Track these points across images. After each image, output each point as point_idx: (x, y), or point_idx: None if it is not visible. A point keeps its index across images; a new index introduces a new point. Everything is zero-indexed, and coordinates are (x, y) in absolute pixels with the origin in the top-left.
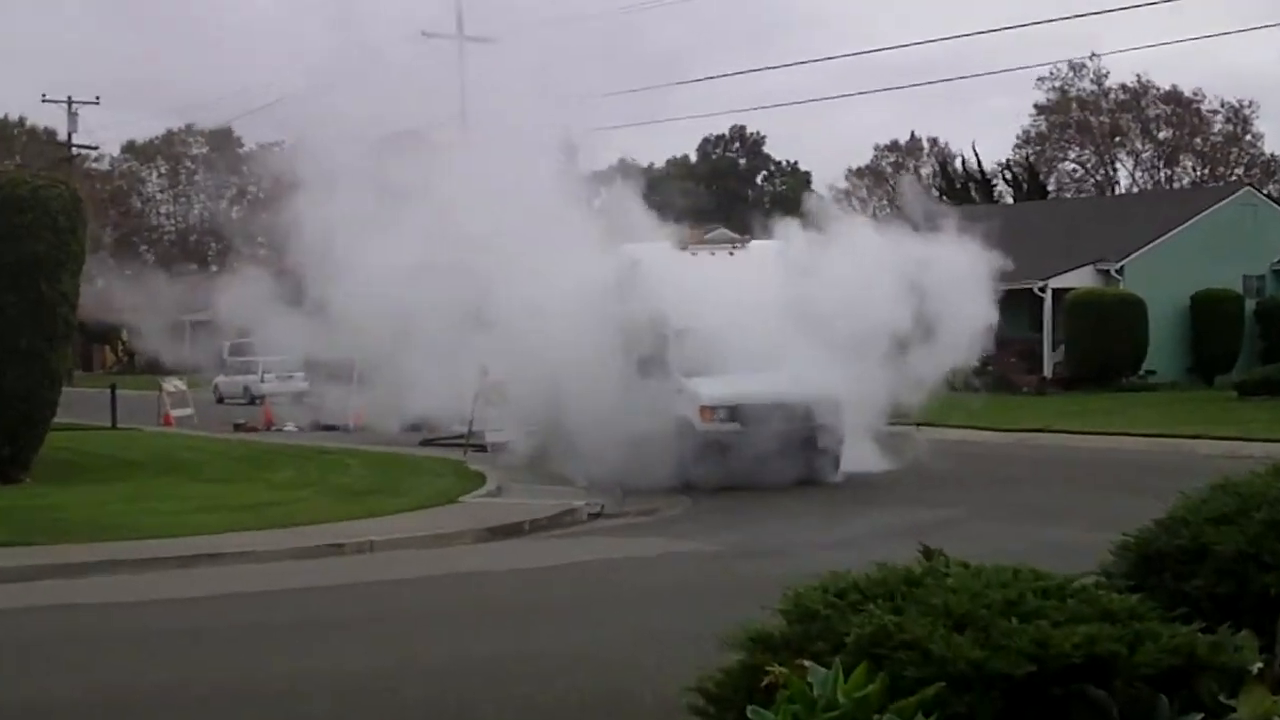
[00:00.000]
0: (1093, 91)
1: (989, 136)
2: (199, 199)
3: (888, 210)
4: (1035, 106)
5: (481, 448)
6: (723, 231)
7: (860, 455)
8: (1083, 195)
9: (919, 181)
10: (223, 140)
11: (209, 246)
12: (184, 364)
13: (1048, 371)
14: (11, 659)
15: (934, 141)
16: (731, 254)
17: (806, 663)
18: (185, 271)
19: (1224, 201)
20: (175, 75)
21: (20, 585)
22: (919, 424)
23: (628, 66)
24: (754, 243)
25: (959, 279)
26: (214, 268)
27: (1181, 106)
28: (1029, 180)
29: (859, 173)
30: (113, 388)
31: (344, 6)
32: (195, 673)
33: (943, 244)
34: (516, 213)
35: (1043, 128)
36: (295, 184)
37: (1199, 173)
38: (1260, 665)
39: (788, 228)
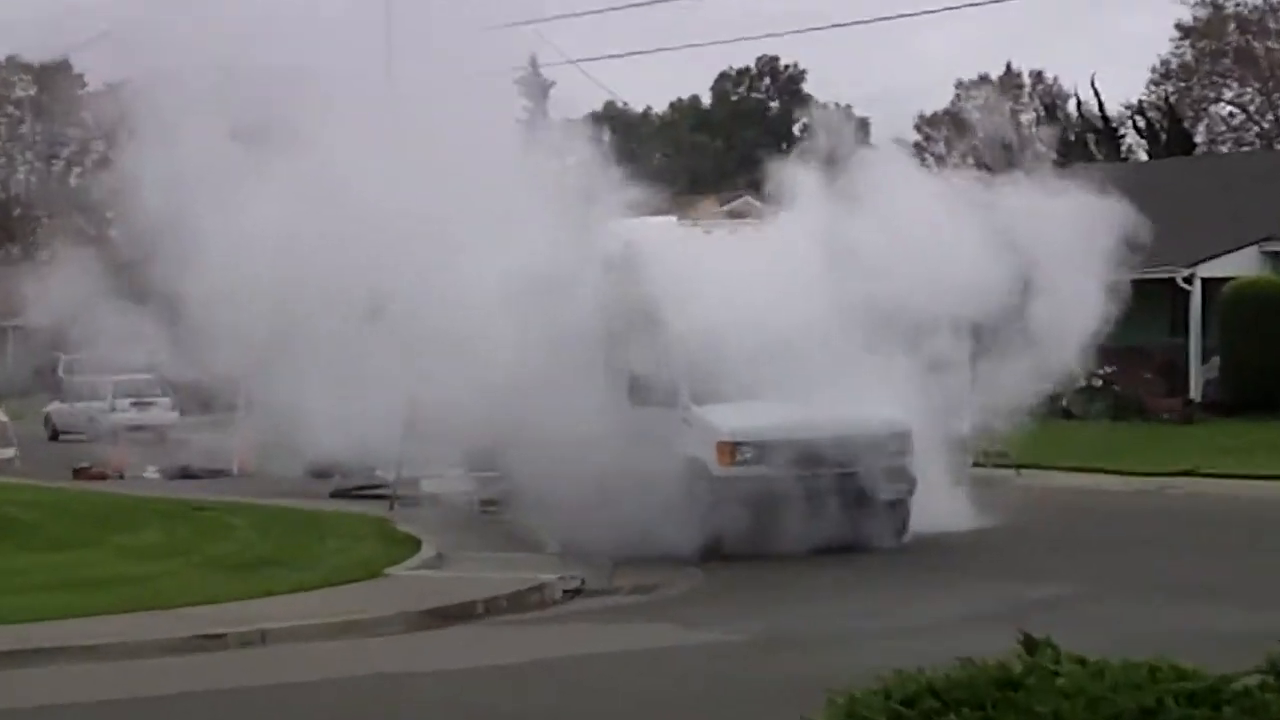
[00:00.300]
0: (1257, 7)
1: (1114, 69)
2: (24, 157)
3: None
4: (1177, 28)
5: (414, 501)
6: (747, 201)
7: (935, 508)
8: (1244, 149)
9: (1015, 123)
10: (57, 78)
11: (38, 222)
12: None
13: (1195, 392)
14: None
15: (1038, 76)
16: (758, 231)
17: None
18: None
19: None
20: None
21: None
22: (1019, 466)
23: None
24: (785, 215)
25: (1068, 248)
26: (44, 253)
27: None
28: (1169, 129)
29: (934, 119)
30: None
31: None
32: None
33: (1040, 197)
34: (453, 178)
35: (1188, 57)
36: (135, 135)
37: None
38: None
39: (807, 185)
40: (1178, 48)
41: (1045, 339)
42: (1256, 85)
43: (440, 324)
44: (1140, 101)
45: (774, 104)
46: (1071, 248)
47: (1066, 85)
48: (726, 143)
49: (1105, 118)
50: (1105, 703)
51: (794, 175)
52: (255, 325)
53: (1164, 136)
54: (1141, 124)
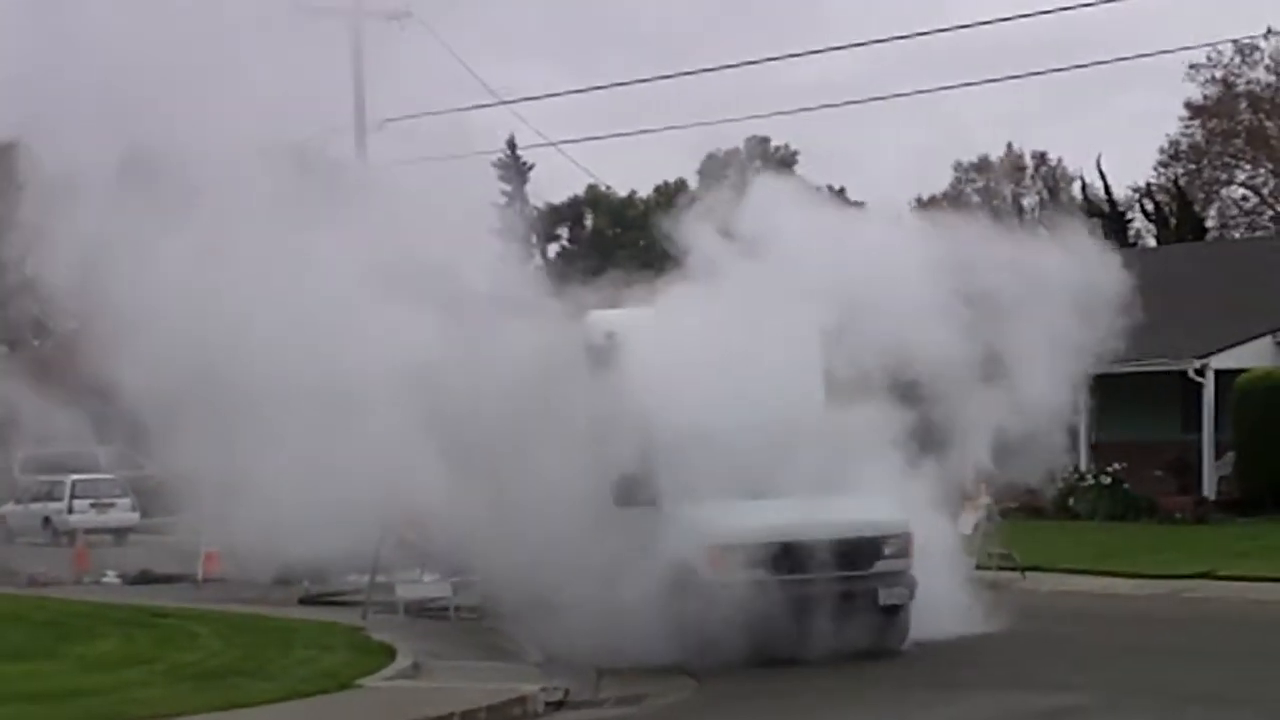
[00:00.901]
0: (1269, 84)
1: (1121, 151)
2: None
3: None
4: (1187, 107)
5: (390, 608)
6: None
7: (936, 614)
8: (1257, 234)
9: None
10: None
11: None
12: None
13: (1209, 489)
14: None
15: (1041, 158)
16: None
17: None
18: None
19: None
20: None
21: None
22: (1024, 568)
23: (602, 56)
24: (784, 304)
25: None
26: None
27: None
28: (1179, 213)
29: (933, 201)
30: None
31: None
32: None
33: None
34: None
35: (1198, 137)
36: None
37: None
38: None
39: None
40: (1187, 128)
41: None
42: (1270, 167)
43: (413, 417)
44: (1148, 184)
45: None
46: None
47: (1071, 167)
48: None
49: (1112, 201)
50: None
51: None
52: (208, 418)
53: (1173, 221)
54: (1150, 208)
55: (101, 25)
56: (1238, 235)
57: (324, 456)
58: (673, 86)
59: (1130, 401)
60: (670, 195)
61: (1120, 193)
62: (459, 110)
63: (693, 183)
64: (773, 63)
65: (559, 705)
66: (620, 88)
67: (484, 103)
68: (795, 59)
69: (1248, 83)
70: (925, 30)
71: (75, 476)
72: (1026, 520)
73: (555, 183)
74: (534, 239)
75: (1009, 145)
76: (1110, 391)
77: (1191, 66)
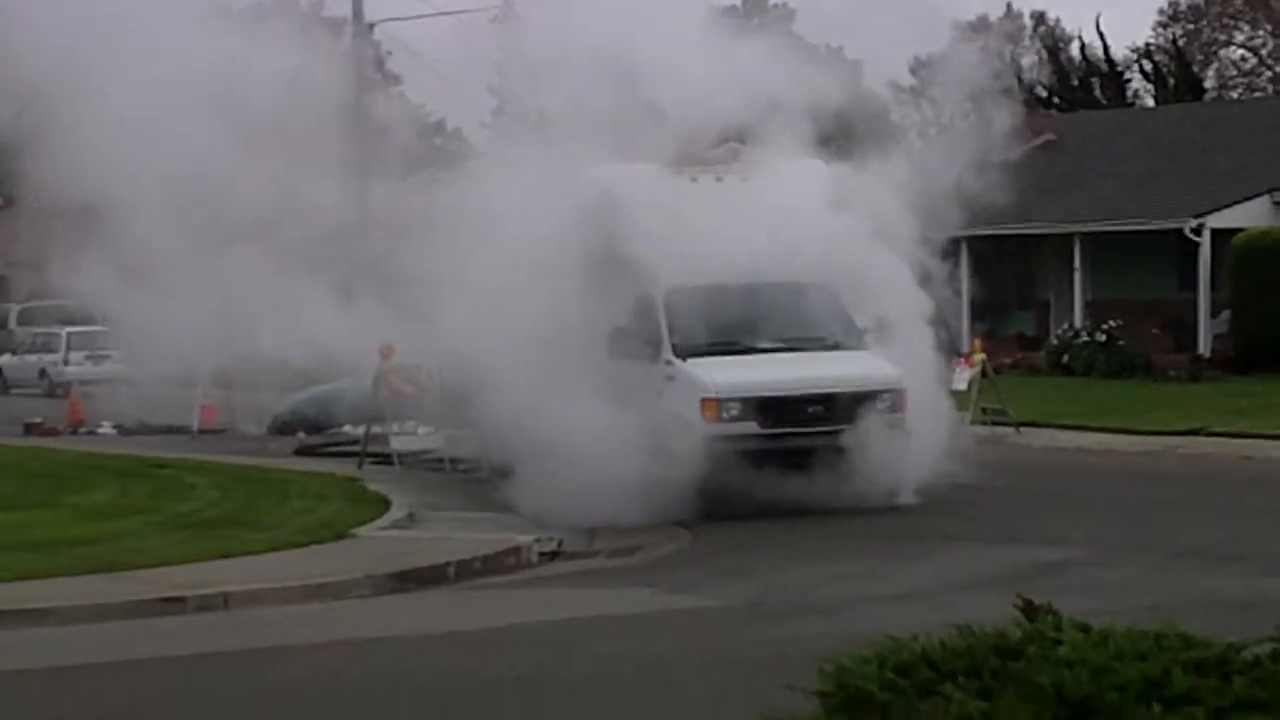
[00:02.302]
0: None
1: (1119, 10)
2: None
3: (968, 116)
4: None
5: (385, 459)
6: (733, 146)
7: (930, 467)
8: (1256, 95)
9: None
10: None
11: None
12: None
13: (1204, 348)
14: None
15: (1040, 18)
16: (747, 179)
17: None
18: None
19: None
20: None
21: None
22: (1018, 423)
23: None
24: (783, 162)
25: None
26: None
27: None
28: (1177, 73)
29: (930, 64)
30: None
31: None
32: None
33: None
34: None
35: None
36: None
37: None
38: None
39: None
40: None
41: None
42: (1269, 28)
43: (421, 273)
44: (1147, 44)
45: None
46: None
47: (1070, 27)
48: None
49: (1110, 61)
50: (1109, 673)
51: (781, 128)
52: (210, 272)
53: (1172, 81)
54: (1148, 68)
55: None
56: (1236, 96)
57: (321, 306)
58: None
59: (1127, 259)
60: None
61: (1119, 53)
62: None
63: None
64: None
65: (553, 556)
66: None
67: None
68: None
69: None
70: None
71: (70, 329)
72: (1022, 376)
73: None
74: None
75: (1008, 4)
76: (1107, 249)
77: None
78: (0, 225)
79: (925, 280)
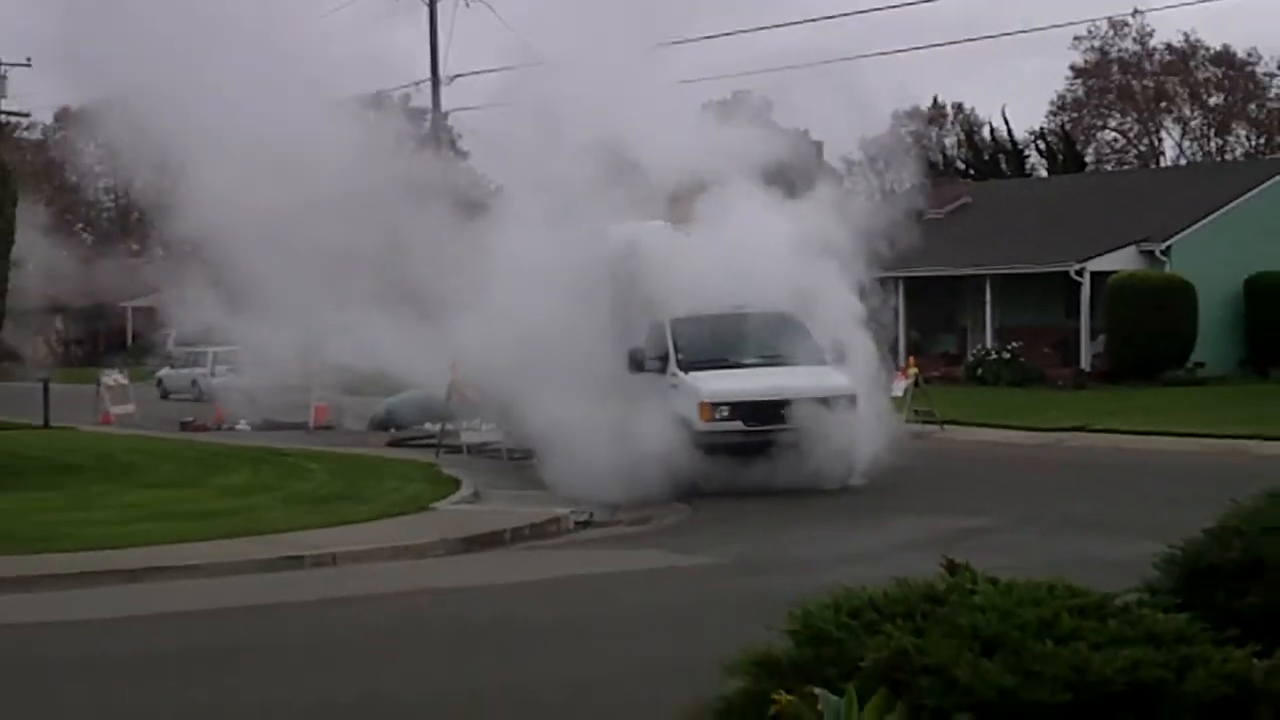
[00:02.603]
0: (1135, 52)
1: (1020, 102)
2: (140, 173)
3: (906, 184)
4: (1071, 69)
5: (456, 449)
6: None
7: (875, 456)
8: (1125, 168)
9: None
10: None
11: (151, 225)
12: (125, 355)
13: (1085, 364)
14: None
15: (959, 108)
16: (731, 231)
17: (817, 690)
18: (126, 253)
19: None
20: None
21: None
22: (942, 422)
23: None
24: (762, 218)
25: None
26: (158, 249)
27: (1234, 69)
28: (1065, 151)
29: (874, 143)
30: (45, 382)
31: None
32: (143, 703)
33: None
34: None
35: (1080, 92)
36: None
37: (1254, 143)
38: None
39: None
40: (1071, 85)
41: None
42: (1134, 116)
43: (489, 307)
44: (1041, 128)
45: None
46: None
47: (982, 115)
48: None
49: (1014, 141)
50: (1012, 615)
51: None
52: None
53: (1060, 157)
54: (1043, 146)
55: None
56: (1110, 168)
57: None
58: (678, 49)
59: (1026, 295)
60: None
61: (1020, 134)
62: (509, 69)
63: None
64: (755, 32)
65: (585, 524)
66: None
67: (529, 63)
68: (776, 28)
69: (1119, 50)
70: (873, 8)
71: (216, 347)
72: (945, 386)
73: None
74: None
75: (935, 97)
76: (1010, 288)
77: (1075, 38)
78: (149, 266)
79: (870, 310)
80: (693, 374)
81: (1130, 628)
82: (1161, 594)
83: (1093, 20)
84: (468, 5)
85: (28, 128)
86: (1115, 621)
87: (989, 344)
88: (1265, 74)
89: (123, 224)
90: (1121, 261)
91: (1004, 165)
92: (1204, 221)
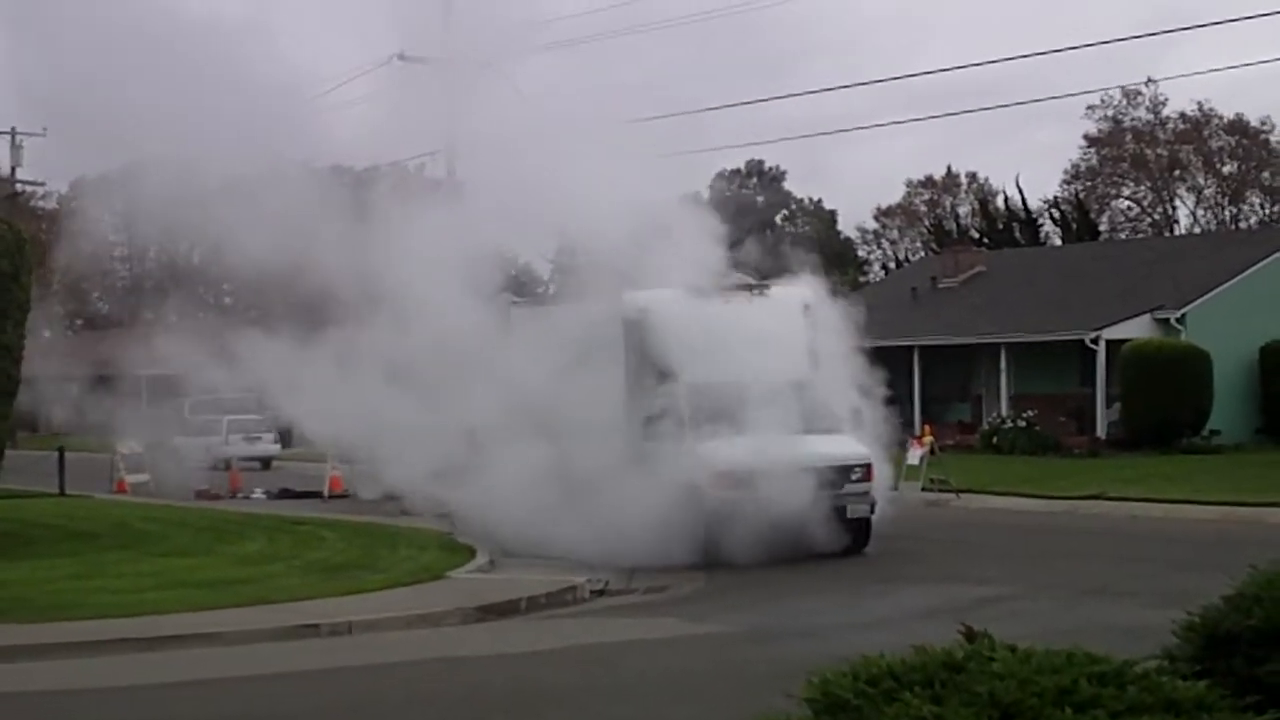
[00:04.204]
0: (1149, 121)
1: (1034, 171)
2: (155, 241)
3: (921, 254)
4: (1085, 138)
5: (470, 519)
6: (740, 276)
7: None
8: (1139, 236)
9: (956, 219)
10: (186, 175)
11: (166, 293)
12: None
13: (1101, 431)
14: None
15: (973, 176)
16: (750, 300)
17: None
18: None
19: None
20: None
21: None
22: (958, 490)
23: (630, 94)
24: (776, 289)
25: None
26: (173, 317)
27: (1248, 138)
28: (1079, 219)
29: (889, 212)
30: (60, 450)
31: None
32: None
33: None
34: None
35: (1093, 161)
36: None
37: (1268, 211)
38: None
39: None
40: (1085, 154)
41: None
42: (1148, 184)
43: (504, 376)
44: (1055, 197)
45: (760, 198)
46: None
47: (996, 184)
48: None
49: (1028, 210)
50: (1031, 683)
51: (777, 261)
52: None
53: (1075, 226)
54: (1057, 216)
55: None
56: (1124, 237)
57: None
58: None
59: (1042, 363)
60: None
61: (1034, 203)
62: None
63: (704, 195)
64: (769, 102)
65: (601, 593)
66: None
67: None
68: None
69: (1132, 119)
70: (885, 78)
71: (230, 416)
72: (961, 454)
73: None
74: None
75: (948, 166)
76: (1026, 356)
77: (1089, 107)
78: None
79: (884, 379)
80: (708, 443)
81: (1149, 695)
82: (1180, 661)
83: (1106, 89)
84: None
85: (43, 196)
86: (1134, 689)
87: (1004, 412)
88: (1279, 142)
89: (137, 292)
90: (1136, 330)
91: (1018, 234)
92: (1219, 289)
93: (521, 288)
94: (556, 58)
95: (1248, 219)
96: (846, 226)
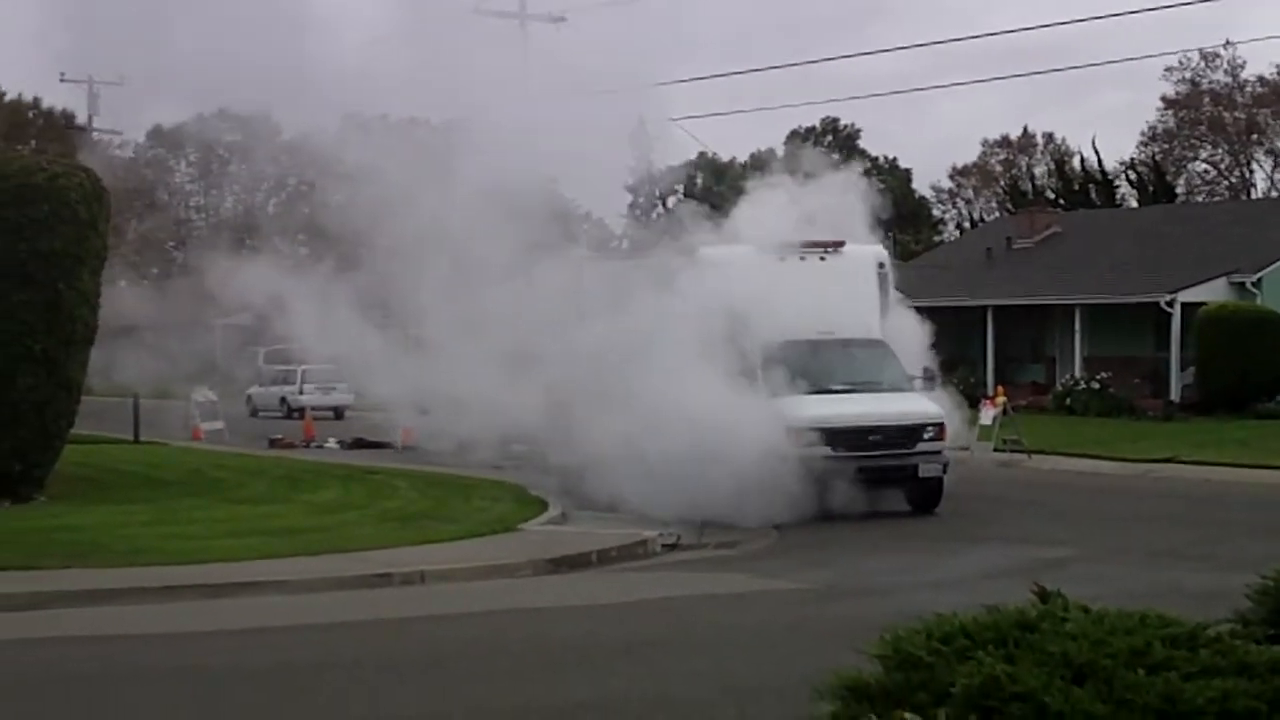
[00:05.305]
0: (1227, 84)
1: (1111, 133)
2: (232, 191)
3: (996, 214)
4: (1162, 100)
5: (545, 470)
6: (814, 234)
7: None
8: (1215, 199)
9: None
10: (259, 126)
11: (244, 244)
12: (215, 372)
13: (1175, 394)
14: (11, 698)
15: (1049, 137)
16: (823, 259)
17: (908, 715)
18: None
19: None
20: (203, 55)
21: (29, 614)
22: (1030, 451)
23: (708, 52)
24: (849, 247)
25: None
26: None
27: None
28: (1155, 182)
29: (964, 171)
30: (135, 398)
31: None
32: (233, 714)
33: None
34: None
35: (1171, 124)
36: (343, 173)
37: None
38: None
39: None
40: (1162, 116)
41: None
42: (1225, 147)
43: (582, 333)
44: (1132, 159)
45: (835, 156)
46: None
47: (1072, 145)
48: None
49: (1104, 172)
50: (1104, 644)
51: (852, 219)
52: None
53: (1151, 188)
54: (1133, 177)
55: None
56: (1200, 200)
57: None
58: (765, 76)
59: (1116, 326)
60: (762, 162)
61: (1110, 165)
62: (602, 93)
63: (780, 152)
64: (845, 60)
65: (672, 547)
66: (725, 77)
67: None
68: (864, 55)
69: (1210, 82)
70: (960, 37)
71: (305, 365)
72: (1034, 415)
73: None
74: (657, 193)
75: (1025, 127)
76: (1101, 318)
77: (1167, 69)
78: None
79: (957, 339)
80: (782, 399)
81: (1222, 658)
82: (1254, 625)
83: (1184, 52)
84: (557, 29)
85: (119, 146)
86: (1207, 652)
87: (1077, 373)
88: None
89: (214, 243)
90: (1212, 293)
91: (1094, 195)
92: None
93: (595, 242)
94: (628, 11)
95: None
96: (921, 186)
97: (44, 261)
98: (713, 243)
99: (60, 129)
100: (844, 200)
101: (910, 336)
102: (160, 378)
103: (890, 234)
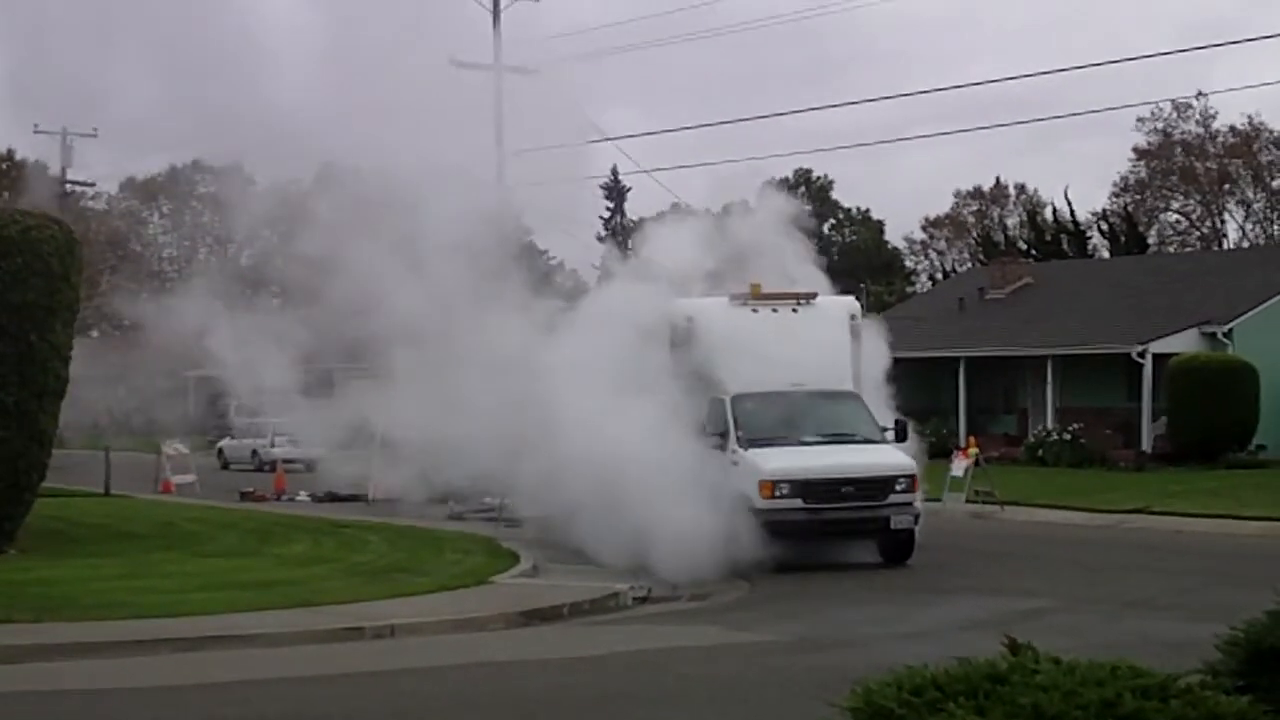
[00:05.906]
0: (1199, 134)
1: (1083, 183)
2: (204, 242)
3: (968, 265)
4: (1134, 150)
5: (516, 523)
6: (786, 285)
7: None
8: (1187, 249)
9: (1004, 231)
10: (232, 178)
11: (215, 296)
12: (186, 425)
13: (1147, 445)
14: None
15: (1021, 188)
16: (795, 310)
17: None
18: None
19: None
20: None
21: (1, 668)
22: (1002, 502)
23: (680, 103)
24: (821, 299)
25: None
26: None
27: None
28: (1127, 232)
29: (937, 222)
30: (106, 450)
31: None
32: None
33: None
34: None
35: (1142, 174)
36: (317, 223)
37: None
38: None
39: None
40: (1134, 167)
41: None
42: (1197, 198)
43: (552, 382)
44: (1104, 209)
45: (808, 207)
46: None
47: (1044, 196)
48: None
49: (1076, 222)
50: (1075, 695)
51: (819, 273)
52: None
53: (1123, 238)
54: (1105, 228)
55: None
56: (1172, 250)
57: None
58: (738, 128)
59: (1088, 376)
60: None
61: (1082, 215)
62: (575, 145)
63: (752, 202)
64: (818, 111)
65: (644, 600)
66: (697, 129)
67: (593, 139)
68: (834, 108)
69: (1182, 133)
70: (932, 89)
71: (276, 418)
72: (1006, 466)
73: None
74: (629, 244)
75: (997, 178)
76: (1073, 369)
77: (1139, 119)
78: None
79: (929, 390)
80: (753, 451)
81: (1193, 709)
82: (1223, 676)
83: (1156, 103)
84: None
85: (93, 197)
86: (1178, 703)
87: (1049, 424)
88: None
89: (184, 293)
90: (1183, 343)
91: (1066, 246)
92: (1266, 304)
93: (565, 291)
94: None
95: None
96: (894, 237)
97: (16, 314)
98: (684, 294)
99: (33, 181)
100: (770, 238)
101: (889, 389)
102: (130, 430)
103: (862, 285)
